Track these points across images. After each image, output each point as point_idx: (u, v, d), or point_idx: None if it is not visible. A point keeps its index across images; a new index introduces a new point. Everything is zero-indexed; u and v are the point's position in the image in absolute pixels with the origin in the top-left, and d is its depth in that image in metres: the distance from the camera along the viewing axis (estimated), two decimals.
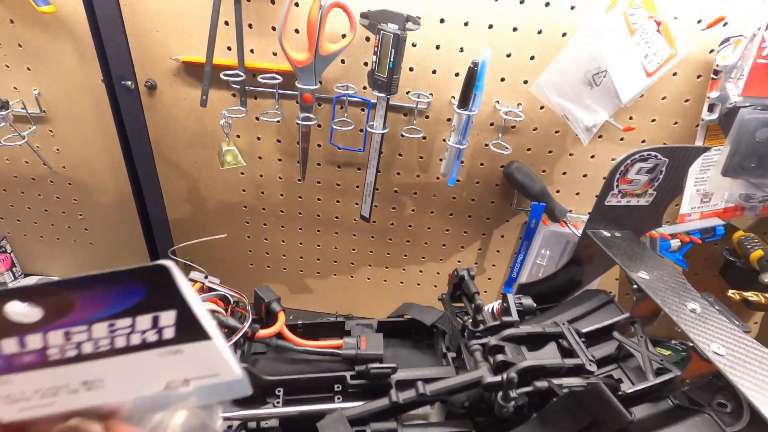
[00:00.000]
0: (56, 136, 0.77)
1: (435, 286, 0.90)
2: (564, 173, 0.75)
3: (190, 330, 0.18)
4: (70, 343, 0.17)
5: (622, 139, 0.70)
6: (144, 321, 0.17)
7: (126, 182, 0.76)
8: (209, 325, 0.19)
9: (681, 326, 0.43)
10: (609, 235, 0.60)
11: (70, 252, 0.93)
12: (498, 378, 0.45)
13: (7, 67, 0.71)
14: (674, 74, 0.64)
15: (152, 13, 0.65)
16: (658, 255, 0.56)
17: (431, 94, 0.68)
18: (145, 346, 0.18)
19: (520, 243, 0.79)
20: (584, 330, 0.54)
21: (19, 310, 0.17)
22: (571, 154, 0.72)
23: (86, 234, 0.90)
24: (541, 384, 0.45)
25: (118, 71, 0.66)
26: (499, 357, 0.47)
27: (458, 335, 0.57)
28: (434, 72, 0.67)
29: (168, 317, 0.17)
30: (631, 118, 0.68)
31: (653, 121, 0.68)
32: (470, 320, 0.55)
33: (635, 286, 0.53)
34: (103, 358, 0.18)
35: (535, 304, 0.54)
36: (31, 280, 0.96)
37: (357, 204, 0.81)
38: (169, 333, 0.18)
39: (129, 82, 0.68)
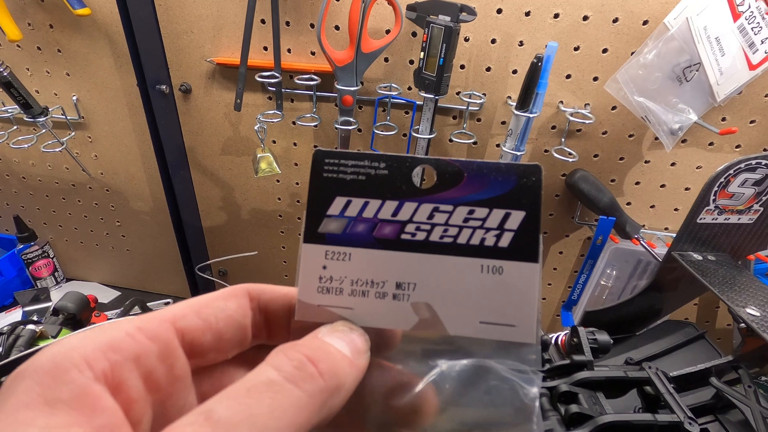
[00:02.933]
0: (94, 142, 0.76)
1: None
2: (637, 183, 0.65)
3: (524, 245, 0.16)
4: (426, 224, 0.17)
5: (711, 144, 0.60)
6: (496, 216, 0.16)
7: (161, 189, 0.74)
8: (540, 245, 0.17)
9: None
10: (701, 258, 0.51)
11: (108, 258, 0.92)
12: None
13: (48, 72, 0.70)
14: None
15: (187, 14, 0.62)
16: (765, 286, 0.46)
17: (484, 95, 0.61)
18: (479, 250, 0.16)
19: (582, 261, 0.70)
20: (673, 374, 0.45)
21: (420, 173, 0.17)
22: (646, 162, 0.63)
23: (123, 241, 0.89)
24: None
25: (152, 75, 0.63)
26: (573, 408, 0.39)
27: None
28: (488, 69, 0.60)
29: (516, 218, 0.16)
30: (724, 119, 0.58)
31: (752, 122, 0.57)
32: None
33: (742, 325, 0.44)
34: (434, 254, 0.16)
35: (611, 341, 0.46)
36: (72, 286, 0.96)
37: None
38: (505, 240, 0.16)
39: (164, 86, 0.65)
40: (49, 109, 0.69)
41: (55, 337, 0.38)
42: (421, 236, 0.16)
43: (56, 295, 0.92)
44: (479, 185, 0.17)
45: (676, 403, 0.39)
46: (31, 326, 0.38)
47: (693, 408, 0.45)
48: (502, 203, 0.16)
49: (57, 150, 0.72)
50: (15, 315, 0.87)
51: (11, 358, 0.32)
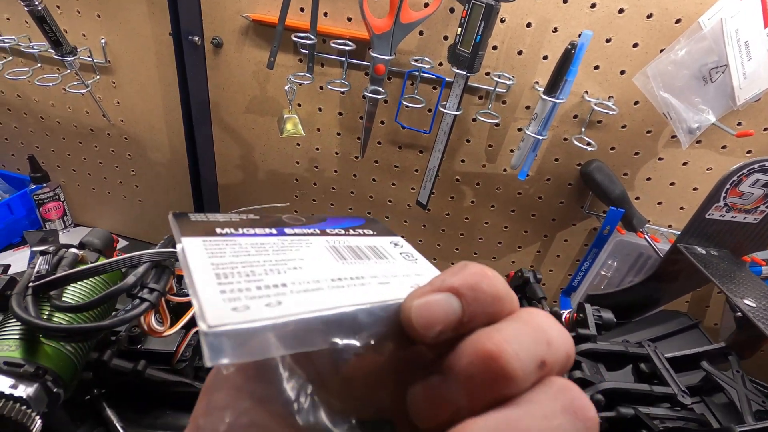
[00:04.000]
0: (118, 87, 0.76)
1: None
2: (648, 179, 0.67)
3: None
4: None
5: (724, 147, 0.62)
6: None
7: (181, 142, 0.74)
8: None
9: None
10: (704, 252, 0.53)
11: (119, 207, 0.93)
12: None
13: (78, 12, 0.70)
14: None
15: None
16: (763, 282, 0.49)
17: (513, 77, 0.62)
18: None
19: (586, 250, 0.72)
20: (668, 355, 0.48)
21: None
22: (660, 159, 0.65)
23: (136, 191, 0.89)
24: (626, 411, 0.39)
25: (186, 25, 0.64)
26: (577, 374, 0.42)
27: None
28: (520, 53, 0.61)
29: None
30: (739, 123, 0.60)
31: (766, 129, 0.60)
32: None
33: (738, 314, 0.47)
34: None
35: (614, 319, 0.48)
36: (80, 231, 0.97)
37: (413, 189, 0.77)
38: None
39: (196, 38, 0.65)
40: (78, 50, 0.69)
41: (94, 262, 0.39)
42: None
43: (64, 239, 0.92)
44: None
45: (671, 378, 0.42)
46: (73, 250, 0.39)
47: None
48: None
49: (81, 92, 0.72)
50: (23, 254, 0.88)
51: (58, 274, 0.34)
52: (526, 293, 0.57)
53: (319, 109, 0.72)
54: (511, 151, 0.69)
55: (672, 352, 0.49)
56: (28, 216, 0.90)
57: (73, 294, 0.39)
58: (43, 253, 0.36)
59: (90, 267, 0.33)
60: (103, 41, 0.72)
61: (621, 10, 0.55)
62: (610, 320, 0.48)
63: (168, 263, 0.38)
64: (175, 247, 0.42)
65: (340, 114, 0.72)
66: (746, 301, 0.45)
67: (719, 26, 0.49)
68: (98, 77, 0.74)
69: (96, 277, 0.40)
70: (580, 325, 0.48)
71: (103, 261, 0.35)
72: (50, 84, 0.71)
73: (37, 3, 0.60)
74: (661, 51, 0.56)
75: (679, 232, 0.54)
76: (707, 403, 0.48)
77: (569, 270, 0.80)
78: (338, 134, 0.74)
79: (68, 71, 0.70)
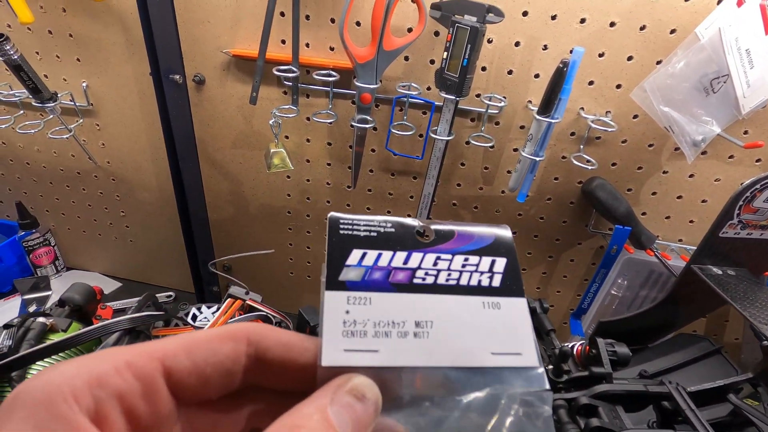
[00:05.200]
0: (102, 130, 0.75)
1: None
2: (654, 193, 0.64)
3: (511, 284, 0.19)
4: (433, 269, 0.19)
5: (731, 157, 0.59)
6: (485, 263, 0.20)
7: (168, 180, 0.72)
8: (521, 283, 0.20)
9: None
10: (720, 272, 0.50)
11: (111, 249, 0.91)
12: None
13: (58, 57, 0.68)
14: None
15: (205, 3, 0.60)
16: None
17: (505, 98, 0.60)
18: (478, 290, 0.19)
19: (594, 270, 0.69)
20: (691, 389, 0.44)
21: (419, 227, 0.20)
22: (665, 172, 0.62)
23: (127, 231, 0.87)
24: None
25: (166, 64, 0.62)
26: (594, 422, 0.38)
27: None
28: (510, 72, 0.59)
29: (500, 264, 0.20)
30: (746, 132, 0.57)
31: None
32: (549, 367, 0.46)
33: (765, 342, 0.43)
34: (444, 294, 0.19)
35: (630, 354, 0.45)
36: (73, 275, 0.95)
37: (409, 215, 0.74)
38: (497, 281, 0.19)
39: (177, 76, 0.64)
40: (58, 95, 0.68)
41: (65, 330, 0.37)
42: (430, 280, 0.19)
43: (56, 284, 0.90)
44: (467, 240, 0.20)
45: (697, 419, 0.39)
46: (41, 319, 0.36)
47: (710, 423, 0.44)
48: (487, 252, 0.20)
49: (64, 137, 0.70)
50: (14, 302, 0.85)
51: (22, 353, 0.31)
52: (534, 325, 0.53)
53: (308, 140, 0.70)
54: (508, 172, 0.66)
55: (694, 383, 0.46)
56: (19, 263, 0.88)
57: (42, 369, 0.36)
58: (6, 326, 0.33)
59: (55, 343, 0.31)
60: (84, 84, 0.70)
61: (612, 24, 0.53)
62: (625, 355, 0.44)
63: (143, 328, 0.35)
64: (150, 308, 0.39)
65: (329, 144, 0.69)
66: None
67: (717, 36, 0.47)
68: (81, 120, 0.73)
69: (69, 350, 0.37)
70: (593, 363, 0.44)
71: (72, 333, 0.33)
72: (32, 131, 0.70)
73: (12, 52, 0.59)
74: (658, 63, 0.54)
75: (692, 250, 0.51)
76: None
77: (578, 290, 0.76)
78: (328, 164, 0.71)
79: (51, 117, 0.69)
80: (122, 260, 0.92)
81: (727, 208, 0.47)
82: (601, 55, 0.55)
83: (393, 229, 0.19)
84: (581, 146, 0.61)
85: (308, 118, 0.67)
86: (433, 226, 0.20)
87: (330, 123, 0.66)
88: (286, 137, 0.70)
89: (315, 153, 0.71)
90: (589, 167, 0.59)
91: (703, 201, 0.64)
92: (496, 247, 0.20)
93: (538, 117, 0.55)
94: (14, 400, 0.13)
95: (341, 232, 0.19)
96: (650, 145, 0.60)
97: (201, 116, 0.70)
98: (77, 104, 0.71)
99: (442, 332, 0.18)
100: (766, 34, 0.47)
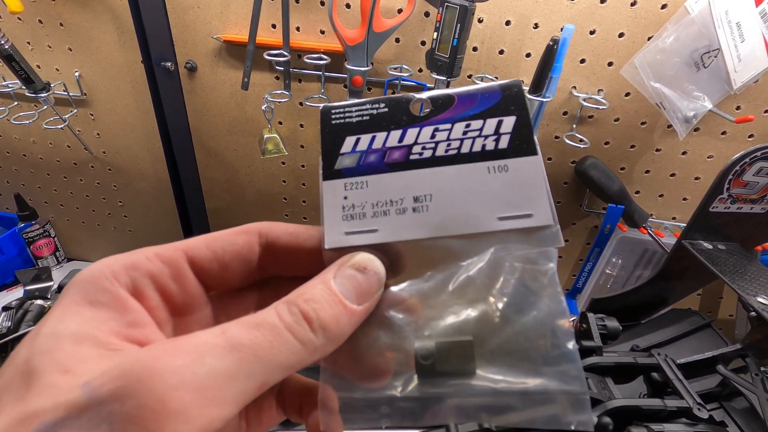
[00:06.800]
0: (97, 119, 0.75)
1: None
2: (647, 171, 0.65)
3: (521, 143, 0.18)
4: (430, 143, 0.18)
5: (723, 133, 0.59)
6: (490, 125, 0.18)
7: (165, 170, 0.73)
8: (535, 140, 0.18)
9: None
10: (711, 247, 0.51)
11: (110, 238, 0.91)
12: None
13: (50, 47, 0.68)
14: None
15: None
16: None
17: (496, 78, 0.60)
18: (482, 155, 0.18)
19: (588, 249, 0.70)
20: (681, 361, 0.45)
21: (421, 98, 0.19)
22: (657, 150, 0.62)
23: (125, 221, 0.88)
24: (638, 430, 0.36)
25: (157, 52, 0.62)
26: None
27: None
28: (501, 52, 0.58)
29: (508, 123, 0.18)
30: (738, 107, 0.57)
31: (767, 111, 0.57)
32: None
33: (752, 313, 0.44)
34: (442, 166, 0.18)
35: (620, 327, 0.46)
36: (74, 266, 0.96)
37: None
38: (504, 142, 0.18)
39: (168, 64, 0.64)
40: (51, 85, 0.68)
41: None
42: (427, 154, 0.18)
43: (57, 275, 0.91)
44: (469, 104, 0.19)
45: (685, 389, 0.40)
46: (39, 301, 0.37)
47: (699, 395, 0.45)
48: (493, 113, 0.18)
49: (59, 127, 0.71)
50: (16, 293, 0.87)
51: (21, 332, 0.32)
52: None
53: (301, 126, 0.70)
54: None
55: (685, 356, 0.46)
56: (20, 255, 0.89)
57: None
58: (5, 308, 0.34)
59: None
60: (77, 74, 0.70)
61: (603, 0, 0.53)
62: (615, 329, 0.45)
63: None
64: None
65: None
66: (759, 299, 0.42)
67: (707, 9, 0.47)
68: (75, 111, 0.73)
69: None
70: (583, 337, 0.45)
71: None
72: (27, 121, 0.70)
73: (3, 42, 0.59)
74: (649, 39, 0.53)
75: (683, 227, 0.52)
76: (727, 409, 0.45)
77: (573, 270, 0.77)
78: None
79: (45, 107, 0.69)
80: (122, 250, 0.91)
81: (717, 183, 0.47)
82: (592, 33, 0.55)
83: (386, 109, 0.19)
84: (574, 125, 0.61)
85: (301, 103, 0.67)
86: (429, 94, 0.19)
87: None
88: (280, 123, 0.70)
89: (309, 138, 0.71)
90: (582, 146, 0.59)
91: (696, 178, 0.64)
92: (504, 105, 0.18)
93: (529, 96, 0.55)
94: (68, 285, 0.16)
95: (333, 122, 0.19)
96: (643, 123, 0.60)
97: (194, 104, 0.70)
98: (70, 94, 0.71)
99: (443, 204, 0.18)
100: (757, 6, 0.46)
